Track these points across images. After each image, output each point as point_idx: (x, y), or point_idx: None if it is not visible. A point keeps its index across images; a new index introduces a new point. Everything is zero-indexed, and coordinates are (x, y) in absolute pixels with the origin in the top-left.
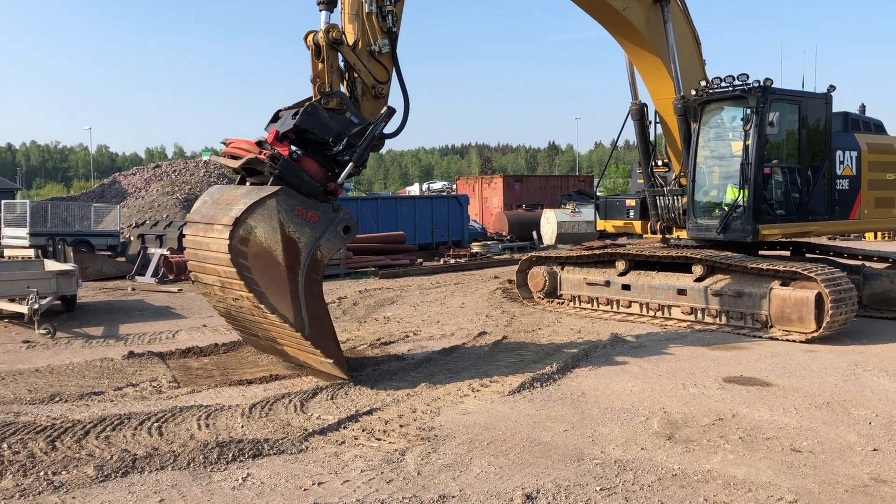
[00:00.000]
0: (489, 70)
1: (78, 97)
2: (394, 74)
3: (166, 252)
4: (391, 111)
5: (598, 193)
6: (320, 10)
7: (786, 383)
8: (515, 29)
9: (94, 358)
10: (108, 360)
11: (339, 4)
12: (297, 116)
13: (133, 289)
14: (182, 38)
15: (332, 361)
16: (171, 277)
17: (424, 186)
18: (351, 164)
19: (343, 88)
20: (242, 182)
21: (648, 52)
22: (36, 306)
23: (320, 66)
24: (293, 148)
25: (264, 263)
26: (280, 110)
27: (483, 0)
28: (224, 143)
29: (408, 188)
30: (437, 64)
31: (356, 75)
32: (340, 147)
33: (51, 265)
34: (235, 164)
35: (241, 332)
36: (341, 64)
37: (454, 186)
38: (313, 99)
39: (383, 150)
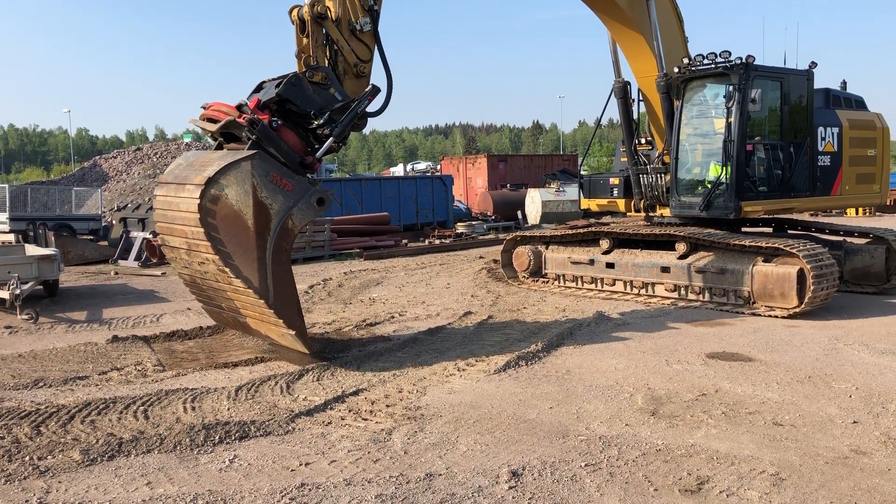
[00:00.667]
0: (472, 49)
1: (56, 80)
2: (376, 53)
3: (149, 235)
4: (376, 89)
5: (582, 172)
6: None
7: (768, 358)
8: (499, 7)
9: (77, 342)
10: (92, 344)
11: None
12: (281, 86)
13: (116, 273)
14: (161, 19)
15: (293, 333)
16: (155, 261)
17: (408, 167)
18: (331, 139)
19: (326, 65)
20: (220, 148)
21: (631, 29)
22: (17, 291)
23: (305, 40)
24: (274, 118)
25: (233, 226)
26: (264, 81)
27: None
28: (204, 108)
29: (392, 169)
30: (421, 44)
31: (339, 52)
32: (321, 121)
33: (32, 250)
34: (213, 127)
35: (205, 303)
36: (325, 39)
37: (438, 167)
38: (298, 72)
39: (367, 131)
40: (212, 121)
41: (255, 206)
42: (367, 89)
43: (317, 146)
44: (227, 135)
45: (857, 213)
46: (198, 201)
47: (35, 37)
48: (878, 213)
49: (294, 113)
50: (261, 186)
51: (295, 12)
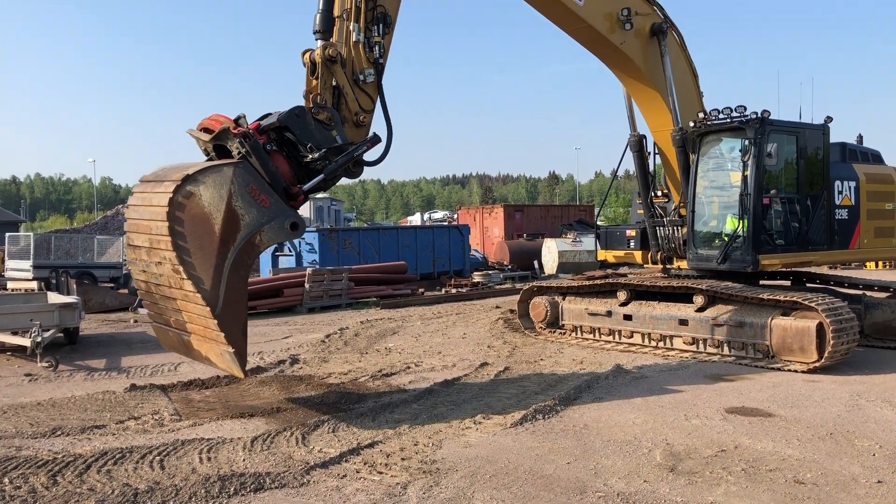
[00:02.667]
0: (490, 100)
1: (82, 130)
2: (378, 105)
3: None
4: (376, 138)
5: (598, 223)
6: (316, 40)
7: (788, 414)
8: (515, 59)
9: (96, 391)
10: (110, 392)
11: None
12: (283, 114)
13: (136, 321)
14: (188, 71)
15: (232, 351)
16: None
17: (426, 216)
18: (322, 176)
19: (371, 135)
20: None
21: (646, 85)
22: (39, 339)
23: (314, 81)
24: (269, 143)
25: (200, 228)
26: (270, 112)
27: (483, 31)
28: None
29: (409, 218)
30: (438, 94)
31: (343, 98)
32: (316, 156)
33: (54, 298)
34: (207, 137)
35: (155, 319)
36: (334, 83)
37: (455, 216)
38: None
39: (384, 180)
40: (207, 131)
41: (226, 213)
42: (367, 136)
43: (307, 178)
44: (219, 149)
45: (876, 266)
46: (170, 195)
47: (61, 88)
48: None
49: (291, 143)
50: (237, 195)
51: (307, 55)
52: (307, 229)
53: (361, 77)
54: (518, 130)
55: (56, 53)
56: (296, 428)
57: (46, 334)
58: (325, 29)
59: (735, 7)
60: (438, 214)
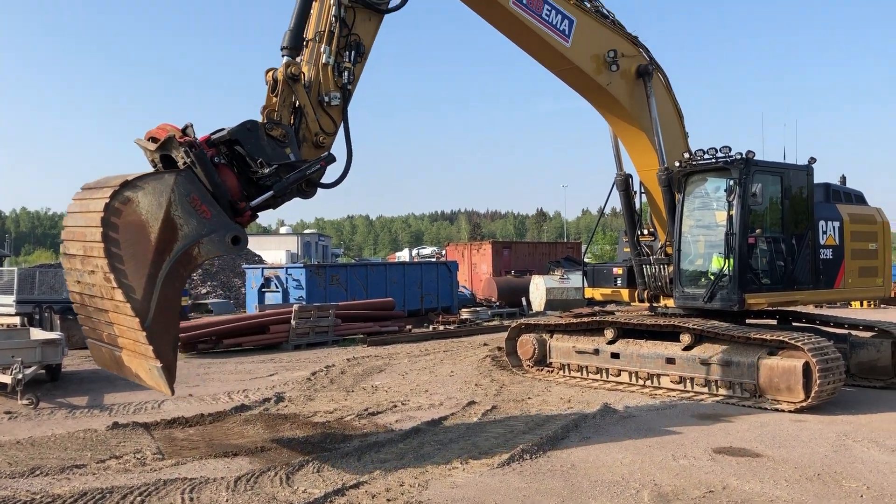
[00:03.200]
0: (478, 137)
1: (69, 164)
2: (341, 130)
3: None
4: (330, 157)
5: (586, 260)
6: (283, 56)
7: (776, 454)
8: (505, 97)
9: (77, 429)
10: (92, 431)
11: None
12: (235, 127)
13: None
14: (173, 103)
15: (160, 365)
16: None
17: (414, 252)
18: (271, 192)
19: (325, 154)
20: None
21: (632, 125)
22: (20, 376)
23: (274, 99)
24: (218, 156)
25: (135, 235)
26: (224, 128)
27: (474, 69)
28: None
29: (397, 254)
30: (427, 130)
31: (304, 118)
32: (266, 171)
33: (36, 334)
34: (153, 146)
35: (89, 335)
36: (295, 102)
37: (443, 252)
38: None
39: (373, 216)
40: (155, 140)
41: (164, 222)
42: (322, 155)
43: (255, 194)
44: (166, 160)
45: (861, 305)
46: (107, 200)
47: (49, 121)
48: (882, 306)
49: (241, 158)
50: (176, 204)
51: (270, 74)
52: (295, 265)
53: (327, 99)
54: (506, 167)
55: (42, 88)
56: (280, 468)
57: (28, 371)
58: (293, 46)
59: (721, 52)
60: (427, 250)
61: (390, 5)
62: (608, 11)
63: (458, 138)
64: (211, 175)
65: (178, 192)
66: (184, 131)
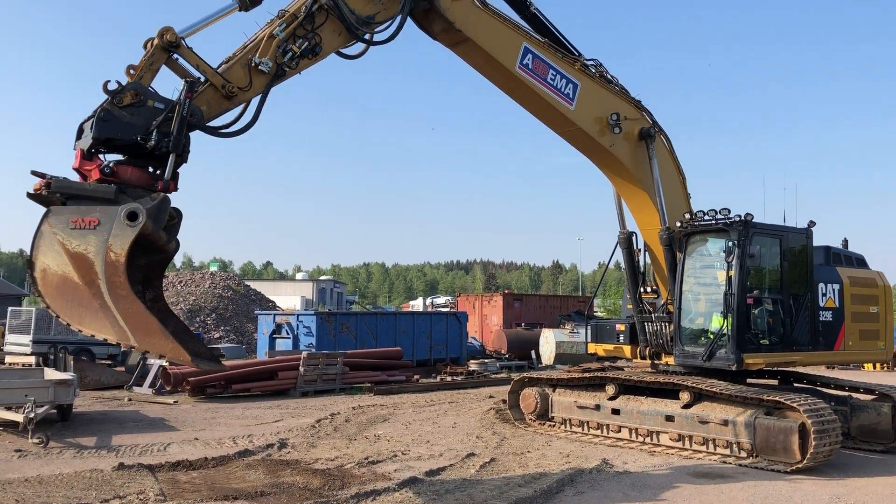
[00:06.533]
0: (494, 188)
1: None
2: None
3: (165, 363)
4: (192, 83)
5: (594, 314)
6: (238, 10)
7: None
8: (522, 151)
9: (84, 468)
10: (98, 471)
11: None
12: (94, 128)
13: (130, 399)
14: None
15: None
16: (168, 389)
17: (428, 301)
18: (171, 154)
19: (182, 85)
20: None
21: (634, 185)
22: (32, 415)
23: (142, 61)
24: (105, 160)
25: (69, 291)
26: (83, 123)
27: (491, 123)
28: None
29: (411, 302)
30: (444, 181)
31: (203, 75)
32: (153, 141)
33: (50, 374)
34: (41, 205)
35: None
36: (191, 68)
37: (456, 302)
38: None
39: (389, 264)
40: (35, 194)
41: (73, 261)
42: (183, 86)
43: (162, 167)
44: (68, 196)
45: (873, 367)
46: (30, 283)
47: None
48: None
49: (126, 144)
50: (68, 239)
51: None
52: (306, 312)
53: (256, 61)
54: (523, 219)
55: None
56: None
57: (40, 410)
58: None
59: (724, 116)
60: (441, 300)
61: (375, 39)
62: (612, 76)
63: (474, 189)
64: (71, 185)
65: (59, 230)
66: (37, 175)
